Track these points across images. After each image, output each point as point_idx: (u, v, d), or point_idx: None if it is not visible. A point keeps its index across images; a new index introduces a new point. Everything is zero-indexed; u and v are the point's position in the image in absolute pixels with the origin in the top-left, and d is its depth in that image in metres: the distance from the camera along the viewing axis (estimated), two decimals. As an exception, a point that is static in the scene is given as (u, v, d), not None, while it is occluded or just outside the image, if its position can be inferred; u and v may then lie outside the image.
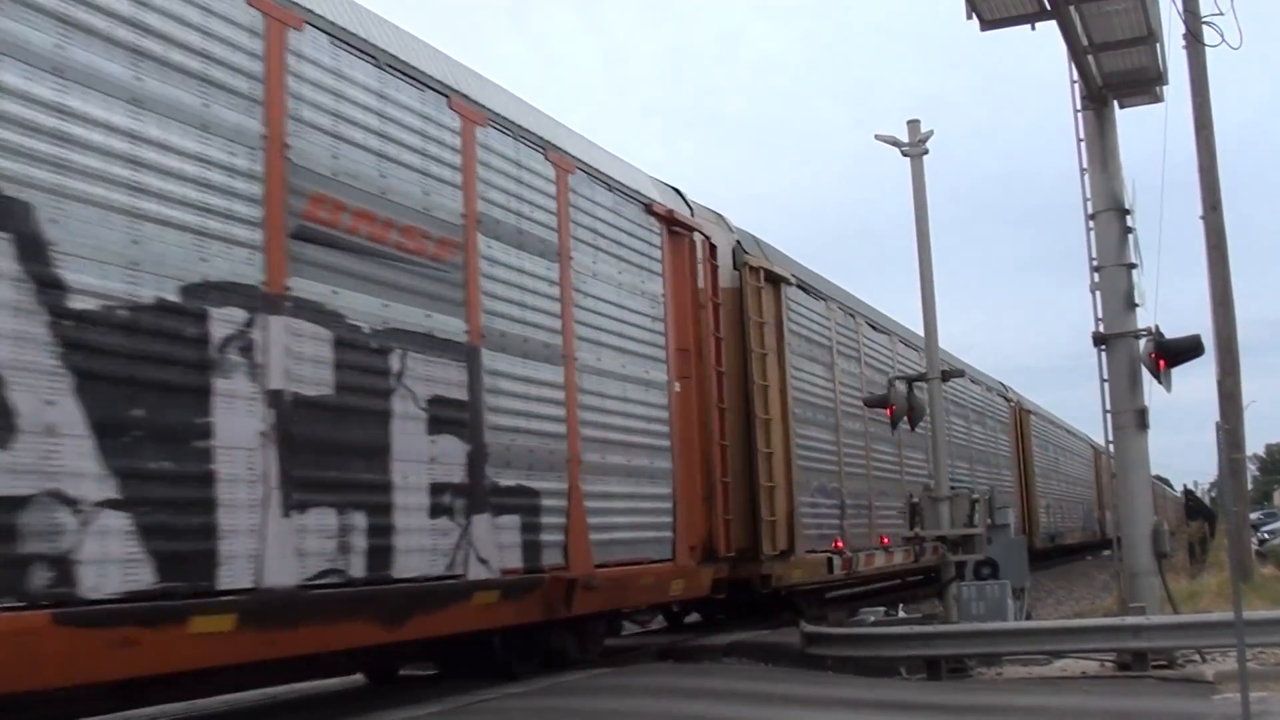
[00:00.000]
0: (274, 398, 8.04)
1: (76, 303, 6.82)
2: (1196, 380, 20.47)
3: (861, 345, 21.45)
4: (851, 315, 21.24)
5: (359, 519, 8.70)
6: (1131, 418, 14.60)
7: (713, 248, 15.51)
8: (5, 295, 6.46)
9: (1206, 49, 20.31)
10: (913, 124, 15.53)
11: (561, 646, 12.37)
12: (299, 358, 8.31)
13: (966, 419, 27.62)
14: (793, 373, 17.49)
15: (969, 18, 13.68)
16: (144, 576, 6.98)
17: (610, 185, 13.25)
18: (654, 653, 14.14)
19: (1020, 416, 34.31)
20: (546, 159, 11.91)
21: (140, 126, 7.34)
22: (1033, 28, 13.79)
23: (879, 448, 21.28)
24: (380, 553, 8.89)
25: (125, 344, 7.09)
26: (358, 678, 12.14)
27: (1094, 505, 49.60)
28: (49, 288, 6.68)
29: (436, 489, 9.59)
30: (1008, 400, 33.97)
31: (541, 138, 11.88)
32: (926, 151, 15.40)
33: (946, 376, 16.43)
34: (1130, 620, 12.09)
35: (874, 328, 22.53)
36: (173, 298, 7.43)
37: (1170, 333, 14.47)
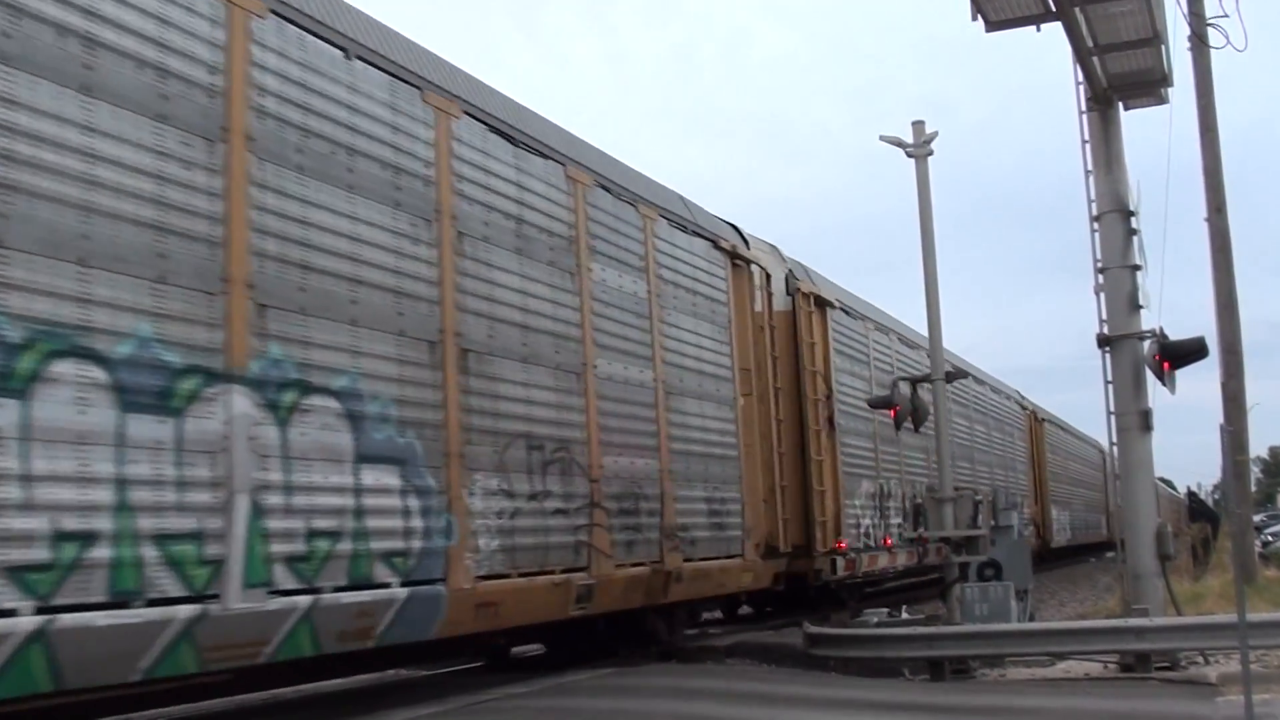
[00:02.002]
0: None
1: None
2: (1200, 382, 20.50)
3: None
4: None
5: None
6: (1135, 419, 14.59)
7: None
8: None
9: (1211, 51, 20.30)
10: (917, 125, 15.56)
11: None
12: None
13: (627, 311, 12.97)
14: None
15: (974, 19, 13.68)
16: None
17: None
18: (656, 653, 14.15)
19: (806, 319, 17.99)
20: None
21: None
22: (1038, 29, 13.78)
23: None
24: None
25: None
26: (359, 678, 12.15)
27: (1030, 496, 33.28)
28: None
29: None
30: (735, 260, 15.70)
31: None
32: (931, 152, 15.43)
33: (951, 378, 16.46)
34: (1133, 622, 12.09)
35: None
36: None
37: (1174, 334, 14.49)
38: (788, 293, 17.64)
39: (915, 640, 12.55)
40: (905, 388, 16.59)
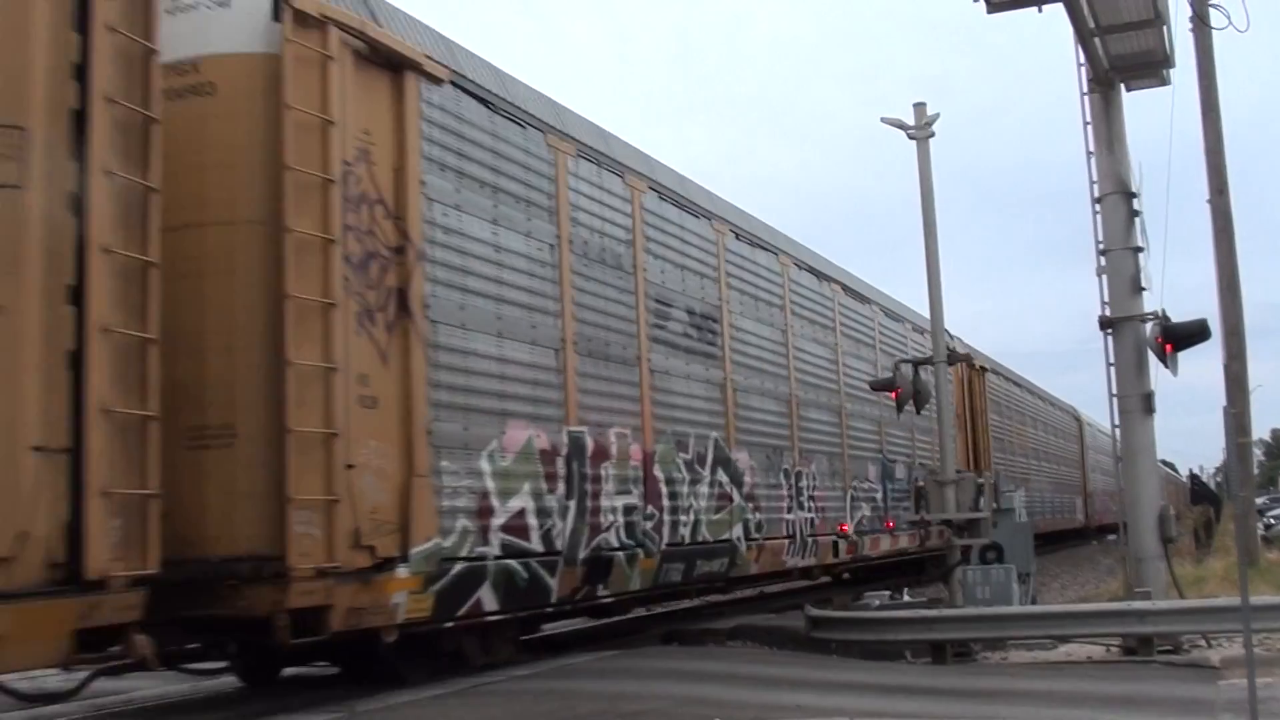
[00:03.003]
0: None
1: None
2: (1203, 364, 20.50)
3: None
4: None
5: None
6: (1138, 402, 14.56)
7: None
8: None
9: (1213, 32, 20.22)
10: (919, 107, 15.51)
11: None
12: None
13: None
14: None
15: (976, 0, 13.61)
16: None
17: None
18: (659, 636, 14.15)
19: (315, 72, 8.68)
20: None
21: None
22: (1039, 9, 13.74)
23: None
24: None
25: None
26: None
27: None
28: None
29: None
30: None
31: None
32: (932, 134, 15.39)
33: (953, 360, 16.42)
34: (1136, 605, 12.09)
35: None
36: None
37: (1177, 316, 14.45)
38: (275, 18, 8.61)
39: (916, 623, 12.56)
40: (908, 369, 16.53)
